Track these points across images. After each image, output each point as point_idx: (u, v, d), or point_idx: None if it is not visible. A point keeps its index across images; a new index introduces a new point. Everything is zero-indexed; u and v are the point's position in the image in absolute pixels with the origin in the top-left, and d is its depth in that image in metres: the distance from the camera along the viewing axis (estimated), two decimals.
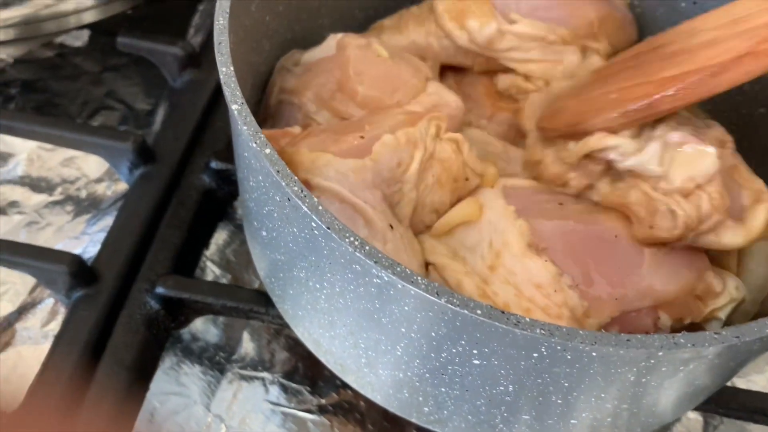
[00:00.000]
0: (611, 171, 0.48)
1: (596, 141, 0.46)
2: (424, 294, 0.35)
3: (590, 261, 0.44)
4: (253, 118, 0.39)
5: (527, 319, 0.34)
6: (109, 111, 0.69)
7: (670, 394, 0.41)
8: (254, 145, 0.38)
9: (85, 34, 0.73)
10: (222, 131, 0.62)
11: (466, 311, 0.34)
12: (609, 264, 0.44)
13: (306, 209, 0.37)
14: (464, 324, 0.36)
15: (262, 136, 0.39)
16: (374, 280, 0.37)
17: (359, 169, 0.44)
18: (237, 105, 0.40)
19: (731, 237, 0.43)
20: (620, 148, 0.45)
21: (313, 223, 0.37)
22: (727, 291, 0.45)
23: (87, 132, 0.59)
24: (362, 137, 0.45)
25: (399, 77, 0.51)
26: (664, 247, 0.44)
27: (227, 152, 0.61)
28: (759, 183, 0.45)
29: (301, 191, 0.37)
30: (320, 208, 0.37)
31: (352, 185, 0.43)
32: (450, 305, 0.34)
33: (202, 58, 0.66)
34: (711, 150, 0.43)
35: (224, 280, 0.58)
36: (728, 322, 0.46)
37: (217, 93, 0.65)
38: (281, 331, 0.56)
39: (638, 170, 0.45)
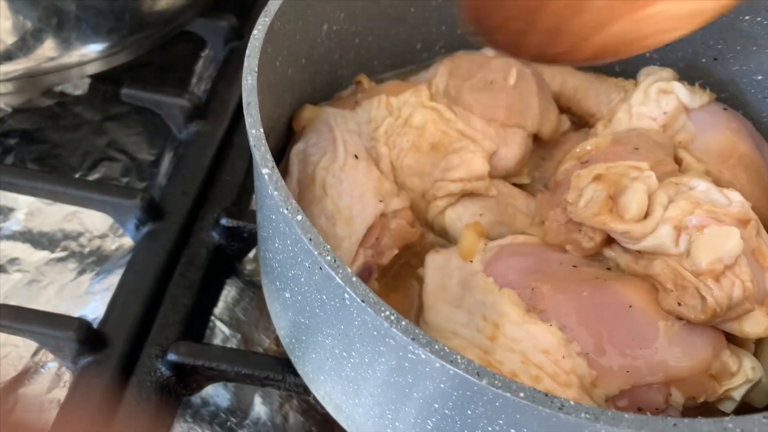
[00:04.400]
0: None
1: (603, 222, 0.44)
2: (464, 374, 0.33)
3: (602, 330, 0.42)
4: (284, 183, 0.38)
5: (572, 403, 0.33)
6: (111, 162, 0.67)
7: None
8: (285, 211, 0.37)
9: (86, 83, 0.71)
10: (230, 185, 0.61)
11: (508, 394, 0.33)
12: (622, 334, 0.42)
13: (339, 280, 0.35)
14: (504, 405, 0.34)
15: (293, 202, 0.37)
16: (409, 355, 0.36)
17: (344, 115, 0.52)
18: (268, 169, 0.39)
19: (754, 326, 0.42)
20: (628, 233, 0.44)
21: (345, 294, 0.36)
22: (743, 371, 0.44)
23: (93, 189, 0.57)
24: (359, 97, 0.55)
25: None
26: (679, 322, 0.43)
27: (236, 208, 0.59)
28: None
29: (335, 261, 0.36)
30: (354, 279, 0.35)
31: (339, 124, 0.51)
32: (491, 387, 0.33)
33: (208, 109, 0.65)
34: (734, 230, 0.42)
35: (234, 340, 0.57)
36: (743, 402, 0.45)
37: (224, 145, 0.64)
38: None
39: (654, 250, 0.44)
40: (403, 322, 0.34)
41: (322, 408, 0.49)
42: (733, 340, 0.45)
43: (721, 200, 0.45)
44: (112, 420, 0.49)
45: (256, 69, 0.42)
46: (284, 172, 0.50)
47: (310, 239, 0.36)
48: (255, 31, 0.44)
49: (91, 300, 0.58)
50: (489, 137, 0.52)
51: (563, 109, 0.61)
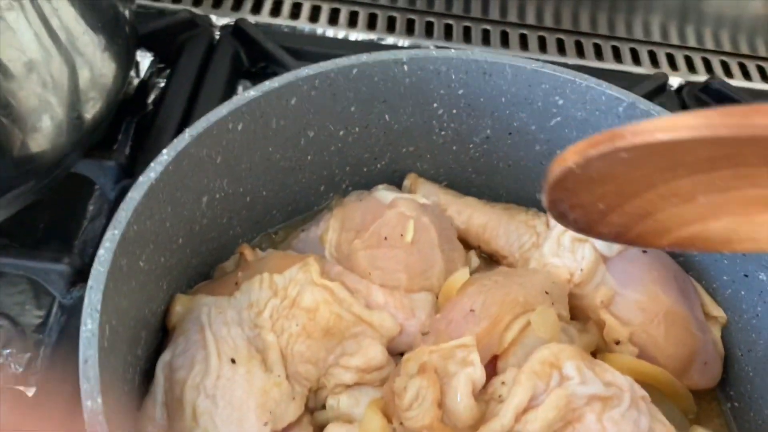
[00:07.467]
0: None
1: None
2: None
3: None
4: None
5: None
6: None
7: None
8: None
9: None
10: None
11: None
12: None
13: None
14: None
15: None
16: None
17: (220, 305, 0.45)
18: None
19: None
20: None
21: None
22: None
23: None
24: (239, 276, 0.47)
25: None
26: None
27: None
28: None
29: None
30: None
31: (212, 319, 0.44)
32: None
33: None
34: None
35: None
36: None
37: None
38: None
39: None
40: None
41: None
42: None
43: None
44: None
45: (99, 308, 0.35)
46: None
47: None
48: (101, 251, 0.38)
49: None
50: (392, 311, 0.47)
51: (472, 246, 0.57)
